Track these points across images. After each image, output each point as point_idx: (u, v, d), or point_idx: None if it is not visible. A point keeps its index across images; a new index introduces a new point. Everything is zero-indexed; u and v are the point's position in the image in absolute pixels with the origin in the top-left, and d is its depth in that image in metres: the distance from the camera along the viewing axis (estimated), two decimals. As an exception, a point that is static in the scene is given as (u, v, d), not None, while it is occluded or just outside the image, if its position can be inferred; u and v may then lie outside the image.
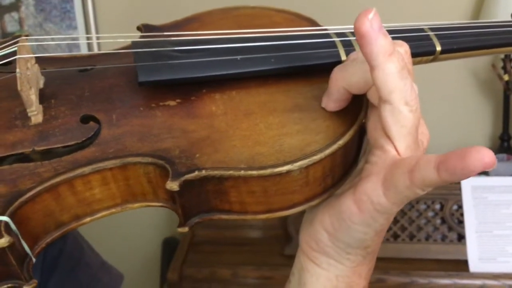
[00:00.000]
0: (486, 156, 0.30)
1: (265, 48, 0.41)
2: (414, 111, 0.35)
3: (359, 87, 0.38)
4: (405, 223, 1.56)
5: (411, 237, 1.55)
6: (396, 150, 0.36)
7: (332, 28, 0.44)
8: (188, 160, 0.36)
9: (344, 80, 0.38)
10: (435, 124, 1.89)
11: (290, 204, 0.38)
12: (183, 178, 0.35)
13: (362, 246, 0.39)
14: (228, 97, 0.40)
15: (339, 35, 0.43)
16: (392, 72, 0.34)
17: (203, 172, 0.35)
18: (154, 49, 0.41)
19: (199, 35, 0.43)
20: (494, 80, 1.76)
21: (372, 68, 0.34)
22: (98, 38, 1.48)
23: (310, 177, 0.37)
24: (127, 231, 1.99)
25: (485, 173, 1.62)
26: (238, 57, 0.41)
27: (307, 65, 0.41)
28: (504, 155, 1.67)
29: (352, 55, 0.40)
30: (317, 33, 0.44)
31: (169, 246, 1.83)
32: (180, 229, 0.38)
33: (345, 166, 0.40)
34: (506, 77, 1.61)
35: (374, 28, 0.33)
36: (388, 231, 1.55)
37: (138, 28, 0.46)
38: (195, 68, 0.40)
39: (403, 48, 0.38)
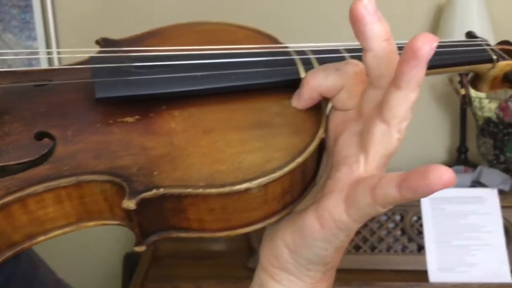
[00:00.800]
0: (446, 174, 0.31)
1: (225, 65, 0.42)
2: (400, 141, 0.36)
3: (333, 91, 0.39)
4: (366, 234, 1.58)
5: (372, 248, 1.57)
6: (365, 168, 0.36)
7: (293, 46, 0.45)
8: (146, 178, 0.36)
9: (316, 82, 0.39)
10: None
11: (249, 221, 0.38)
12: (140, 197, 0.34)
13: (323, 263, 0.40)
14: (188, 114, 0.40)
15: (298, 53, 0.44)
16: (412, 101, 0.34)
17: (161, 190, 0.35)
18: (112, 65, 0.40)
19: (159, 50, 0.43)
20: (451, 94, 1.81)
21: (398, 89, 0.34)
22: (58, 52, 1.45)
23: (269, 195, 0.37)
24: (87, 246, 1.95)
25: (443, 184, 1.65)
26: (198, 73, 0.41)
27: (266, 82, 0.42)
28: (462, 167, 1.71)
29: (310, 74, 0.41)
30: (277, 50, 0.44)
31: (131, 261, 1.80)
32: (137, 248, 0.37)
33: (304, 182, 0.40)
34: (462, 91, 1.66)
35: (369, 11, 0.34)
36: (349, 242, 1.56)
37: (97, 42, 0.45)
38: (154, 84, 0.40)
39: (359, 67, 0.39)
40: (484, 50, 0.51)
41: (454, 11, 1.65)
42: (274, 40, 0.47)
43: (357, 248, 1.57)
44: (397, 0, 1.83)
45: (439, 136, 1.90)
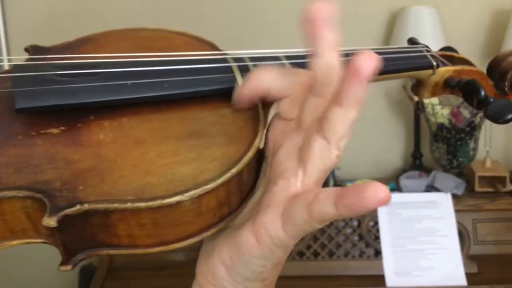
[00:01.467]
0: (381, 193, 0.31)
1: (158, 73, 0.40)
2: (338, 158, 0.35)
3: (276, 95, 0.38)
4: (324, 241, 1.58)
5: (331, 254, 1.57)
6: (303, 182, 0.35)
7: (231, 53, 0.43)
8: (70, 193, 0.34)
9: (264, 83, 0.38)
10: (350, 143, 1.93)
11: (184, 235, 0.36)
12: (62, 213, 0.32)
13: (259, 279, 0.39)
14: (118, 124, 0.38)
15: (236, 60, 0.42)
16: (352, 119, 0.33)
17: (86, 206, 0.33)
18: (35, 73, 0.38)
19: (88, 58, 0.41)
20: (406, 100, 1.85)
21: (339, 106, 0.33)
22: (9, 60, 1.41)
23: (203, 207, 0.36)
24: (43, 257, 1.89)
25: (398, 189, 1.68)
26: (129, 82, 0.39)
27: (202, 91, 0.40)
28: (416, 172, 1.74)
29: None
30: (214, 57, 0.43)
31: (87, 274, 1.75)
32: (63, 268, 0.35)
33: (241, 193, 0.39)
34: (416, 98, 1.69)
35: (327, 16, 0.34)
36: (308, 249, 1.57)
37: (26, 50, 0.43)
38: (79, 93, 0.37)
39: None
40: (425, 57, 0.51)
41: (407, 19, 1.69)
42: (213, 47, 0.46)
43: (315, 254, 1.57)
44: (352, 7, 1.85)
45: (394, 142, 1.94)
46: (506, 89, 0.52)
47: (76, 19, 1.87)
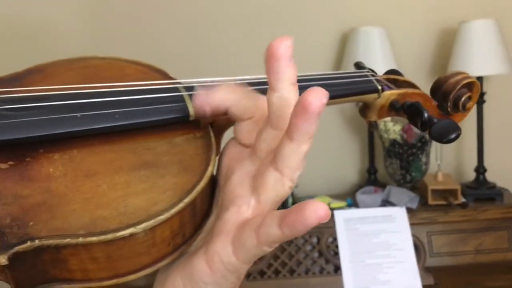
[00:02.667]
0: (319, 209, 0.31)
1: (108, 104, 0.39)
2: (291, 190, 0.36)
3: (239, 112, 0.39)
4: (285, 259, 1.59)
5: (292, 272, 1.58)
6: (254, 212, 0.36)
7: (184, 82, 0.43)
8: (21, 229, 0.33)
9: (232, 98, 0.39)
10: (308, 161, 1.94)
11: (138, 267, 0.36)
12: (12, 251, 0.31)
13: None
14: (69, 157, 0.37)
15: (187, 88, 0.42)
16: (304, 153, 0.34)
17: (37, 242, 0.32)
18: None
19: (35, 90, 0.40)
20: (359, 117, 1.89)
21: (290, 141, 0.34)
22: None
23: (157, 238, 0.35)
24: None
25: (355, 205, 1.71)
26: (79, 114, 0.38)
27: (153, 120, 0.40)
28: (372, 187, 1.78)
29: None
30: (165, 87, 0.42)
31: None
32: None
33: (196, 221, 0.39)
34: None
35: (288, 53, 0.35)
36: (269, 267, 1.58)
37: None
38: (27, 127, 0.37)
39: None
40: (370, 81, 0.52)
41: (357, 39, 1.74)
42: (165, 75, 0.45)
43: (276, 273, 1.58)
44: (304, 28, 1.89)
45: (349, 158, 1.97)
46: (449, 109, 0.55)
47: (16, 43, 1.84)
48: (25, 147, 0.37)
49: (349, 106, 1.92)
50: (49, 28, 1.85)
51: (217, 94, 0.39)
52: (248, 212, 0.36)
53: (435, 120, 0.50)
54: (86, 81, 0.41)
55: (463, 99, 0.54)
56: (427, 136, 1.72)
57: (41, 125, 0.37)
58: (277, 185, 0.35)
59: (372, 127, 1.78)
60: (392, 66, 1.71)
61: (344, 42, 1.84)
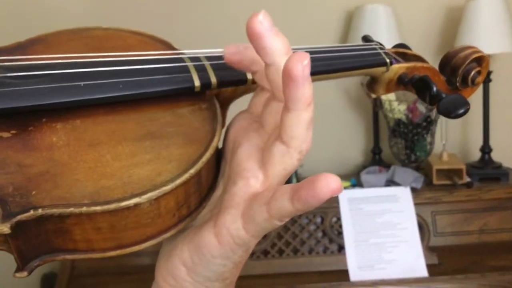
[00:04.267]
0: (332, 182, 0.31)
1: (112, 73, 0.39)
2: (299, 162, 0.35)
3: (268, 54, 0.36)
4: (289, 238, 1.60)
5: (295, 251, 1.59)
6: (264, 184, 0.35)
7: (187, 52, 0.43)
8: (23, 198, 0.32)
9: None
10: (312, 141, 1.95)
11: (143, 238, 0.36)
12: (15, 219, 0.31)
13: (221, 279, 0.39)
14: (72, 126, 0.37)
15: (192, 59, 0.41)
16: (305, 121, 0.33)
17: (40, 211, 0.32)
18: None
19: (39, 59, 0.40)
20: (364, 97, 1.88)
21: (288, 111, 0.33)
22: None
23: (162, 209, 0.35)
24: (2, 265, 1.84)
25: (359, 185, 1.71)
26: (82, 83, 0.37)
27: (158, 91, 0.39)
28: (376, 167, 1.77)
29: None
30: (170, 57, 0.42)
31: (49, 282, 1.72)
32: (18, 275, 0.34)
33: (201, 193, 0.38)
34: (374, 95, 1.72)
35: (265, 26, 0.34)
36: (272, 247, 1.58)
37: None
38: (31, 96, 0.36)
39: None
40: (378, 54, 0.51)
41: (363, 17, 1.72)
42: (169, 46, 0.45)
43: (280, 252, 1.58)
44: (309, 7, 1.87)
45: (354, 138, 1.97)
46: (457, 84, 0.54)
47: (21, 20, 1.83)
48: (27, 116, 0.37)
49: (354, 86, 1.90)
50: (48, 12, 1.84)
51: (254, 53, 0.38)
52: (257, 186, 0.35)
53: (444, 95, 0.49)
54: (89, 51, 0.41)
55: (472, 73, 0.53)
56: (432, 115, 1.71)
57: (44, 94, 0.37)
58: (285, 158, 0.34)
59: (377, 107, 1.77)
60: (398, 44, 1.69)
61: (350, 20, 1.82)
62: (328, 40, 1.89)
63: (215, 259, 0.37)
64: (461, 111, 0.48)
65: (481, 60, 0.54)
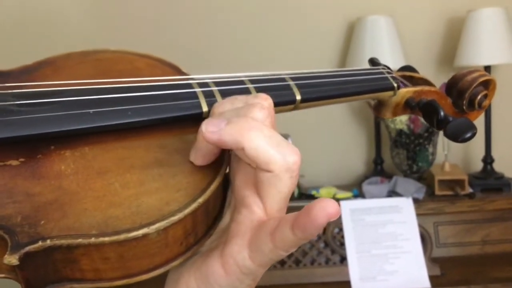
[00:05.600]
0: (328, 207, 0.31)
1: (121, 100, 0.39)
2: (294, 177, 0.34)
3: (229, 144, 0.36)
4: (291, 250, 1.59)
5: (297, 262, 1.58)
6: (266, 212, 0.35)
7: (196, 78, 0.43)
8: (32, 228, 0.32)
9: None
10: (313, 151, 1.97)
11: (150, 267, 0.35)
12: (23, 251, 0.31)
13: None
14: (80, 154, 0.37)
15: (201, 85, 0.41)
16: (259, 146, 0.33)
17: (48, 242, 0.32)
18: None
19: (48, 86, 0.39)
20: (366, 108, 1.88)
21: (238, 150, 0.34)
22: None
23: (169, 238, 0.35)
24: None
25: (361, 195, 1.71)
26: (91, 110, 0.37)
27: (167, 117, 0.39)
28: (378, 178, 1.77)
29: (217, 108, 0.38)
30: (178, 83, 0.41)
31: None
32: None
33: (208, 221, 0.38)
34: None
35: (212, 131, 0.34)
36: (275, 258, 1.58)
37: None
38: (39, 124, 0.36)
39: (267, 102, 0.36)
40: (386, 78, 0.51)
41: (364, 28, 1.72)
42: (177, 70, 0.45)
43: (282, 263, 1.58)
44: (311, 18, 1.88)
45: (356, 149, 1.97)
46: (464, 107, 0.54)
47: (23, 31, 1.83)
48: (36, 143, 0.37)
49: (355, 95, 1.90)
50: (49, 17, 1.84)
51: (199, 147, 0.37)
52: (260, 213, 0.35)
53: (450, 118, 0.49)
54: (98, 75, 0.41)
55: (479, 97, 0.54)
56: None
57: (53, 122, 0.36)
58: (274, 182, 0.34)
59: (379, 117, 1.77)
60: (399, 55, 1.69)
61: (351, 31, 1.82)
62: (329, 51, 1.89)
63: None
64: (468, 135, 0.48)
65: (488, 83, 0.54)
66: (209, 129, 0.34)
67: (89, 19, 1.86)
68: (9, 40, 1.81)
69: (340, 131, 1.94)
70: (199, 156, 0.37)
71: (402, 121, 1.72)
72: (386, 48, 1.67)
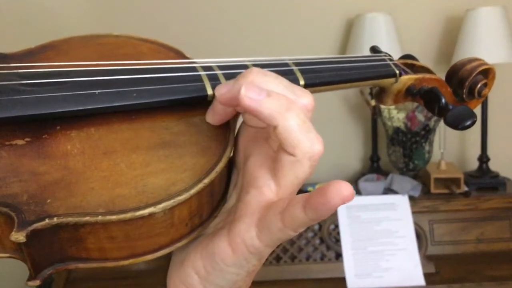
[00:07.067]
0: (344, 189, 0.31)
1: (126, 82, 0.39)
2: (314, 166, 0.34)
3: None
4: (286, 245, 1.59)
5: (293, 258, 1.58)
6: (277, 194, 0.35)
7: (199, 61, 0.43)
8: (38, 207, 0.32)
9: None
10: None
11: (156, 247, 0.36)
12: (30, 228, 0.31)
13: (234, 287, 0.39)
14: (86, 134, 0.37)
15: (205, 68, 0.41)
16: (292, 128, 0.33)
17: (55, 220, 0.32)
18: None
19: (53, 66, 0.39)
20: (363, 105, 1.88)
21: (273, 128, 0.34)
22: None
23: (175, 218, 0.35)
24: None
25: (357, 192, 1.71)
26: (97, 91, 0.37)
27: (171, 100, 0.39)
28: (374, 175, 1.77)
29: (257, 74, 0.37)
30: (183, 66, 0.42)
31: (44, 286, 1.70)
32: (31, 283, 0.34)
33: (213, 203, 0.38)
34: (373, 103, 1.72)
35: (251, 97, 0.33)
36: (270, 254, 1.57)
37: None
38: (45, 104, 0.36)
39: (307, 99, 0.36)
40: (388, 65, 0.51)
41: (363, 26, 1.72)
42: (180, 54, 0.45)
43: (277, 259, 1.58)
44: (309, 15, 1.88)
45: (353, 146, 1.97)
46: (464, 96, 0.54)
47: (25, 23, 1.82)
48: (42, 123, 0.37)
49: (353, 93, 1.91)
50: (48, 15, 1.84)
51: (217, 105, 0.38)
52: (270, 195, 0.35)
53: (451, 107, 0.49)
54: (101, 59, 0.41)
55: (479, 85, 0.54)
56: (431, 124, 1.71)
57: (59, 102, 0.36)
58: (295, 167, 0.34)
59: (376, 115, 1.77)
60: (397, 53, 1.70)
61: (350, 28, 1.83)
62: (327, 48, 1.89)
63: (228, 267, 0.36)
64: (468, 122, 0.48)
65: (487, 72, 0.54)
66: (249, 94, 0.34)
67: (88, 15, 1.86)
68: (8, 37, 1.80)
69: (337, 128, 1.94)
70: (216, 115, 0.38)
71: (399, 119, 1.72)
72: (384, 45, 1.67)
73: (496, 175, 1.74)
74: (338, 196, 0.31)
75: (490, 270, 1.53)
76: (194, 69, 0.42)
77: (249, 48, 1.85)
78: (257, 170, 0.37)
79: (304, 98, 0.36)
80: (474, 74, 0.53)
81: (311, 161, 0.34)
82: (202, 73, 0.41)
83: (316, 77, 0.46)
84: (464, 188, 1.66)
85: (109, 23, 1.86)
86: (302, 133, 0.33)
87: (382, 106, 1.71)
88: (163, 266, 1.62)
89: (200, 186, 0.35)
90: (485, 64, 0.54)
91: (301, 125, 0.34)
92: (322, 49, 1.88)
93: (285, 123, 0.33)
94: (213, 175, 0.36)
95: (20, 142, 0.36)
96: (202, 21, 1.88)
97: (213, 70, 0.42)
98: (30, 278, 0.34)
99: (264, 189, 0.36)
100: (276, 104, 0.33)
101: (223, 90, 0.36)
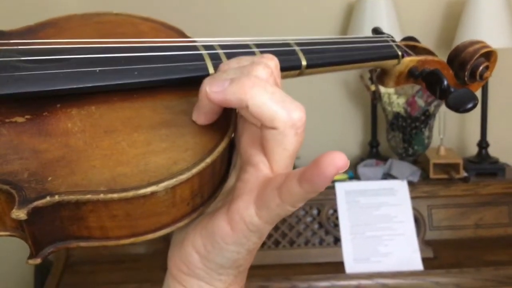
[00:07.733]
0: (337, 159, 0.30)
1: (127, 60, 0.38)
2: (300, 134, 0.34)
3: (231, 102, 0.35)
4: (285, 230, 1.60)
5: (291, 242, 1.59)
6: (272, 170, 0.35)
7: (200, 40, 0.42)
8: (39, 184, 0.32)
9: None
10: (309, 132, 1.96)
11: (157, 226, 0.35)
12: (31, 205, 0.31)
13: (234, 266, 0.38)
14: (87, 112, 0.37)
15: (206, 47, 0.41)
16: (263, 102, 0.33)
17: (56, 198, 0.32)
18: None
19: (53, 43, 0.39)
20: (363, 90, 1.87)
21: (242, 109, 0.34)
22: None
23: (177, 198, 0.35)
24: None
25: (356, 177, 1.71)
26: (97, 69, 0.37)
27: (173, 79, 0.39)
28: (373, 160, 1.77)
29: (222, 66, 0.38)
30: (184, 45, 0.41)
31: (43, 269, 1.71)
32: (31, 261, 0.34)
33: (214, 183, 0.38)
34: (373, 87, 1.72)
35: (216, 90, 0.34)
36: (269, 238, 1.58)
37: None
38: (46, 81, 0.36)
39: (273, 62, 0.36)
40: (390, 46, 0.51)
41: (363, 9, 1.71)
42: (181, 33, 0.44)
43: (276, 243, 1.58)
44: (309, -2, 1.86)
45: (352, 131, 1.96)
46: (465, 78, 0.53)
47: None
48: (42, 101, 0.36)
49: (352, 79, 1.90)
50: (47, 7, 1.82)
51: (201, 105, 0.37)
52: (266, 170, 0.35)
53: (452, 89, 0.49)
54: (101, 37, 0.41)
55: (480, 68, 0.53)
56: (430, 110, 1.71)
57: (60, 79, 0.36)
58: (278, 139, 0.34)
59: (376, 100, 1.76)
60: (398, 37, 1.68)
61: (350, 11, 1.81)
62: (328, 32, 1.88)
63: (228, 246, 0.36)
64: (470, 105, 0.48)
65: (489, 55, 0.54)
66: (213, 89, 0.34)
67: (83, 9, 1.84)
68: (6, 14, 1.79)
69: (336, 113, 1.93)
70: (201, 114, 0.37)
71: (399, 104, 1.72)
72: (385, 29, 1.65)
73: (495, 161, 1.74)
74: (332, 166, 0.30)
75: (489, 255, 1.54)
76: (195, 48, 0.41)
77: (249, 31, 1.84)
78: (249, 148, 0.37)
79: (260, 63, 0.36)
80: (476, 56, 0.53)
81: (294, 128, 0.33)
82: (204, 52, 0.41)
83: (319, 57, 0.45)
84: (463, 174, 1.67)
85: (108, 8, 1.85)
86: (275, 104, 0.33)
87: (382, 90, 1.70)
88: (161, 249, 1.62)
89: (202, 165, 0.35)
90: (487, 46, 0.54)
91: (271, 96, 0.33)
92: (323, 32, 1.87)
93: (254, 101, 0.33)
94: (215, 154, 0.36)
95: (20, 119, 0.35)
96: (203, 3, 1.87)
97: (215, 49, 0.41)
98: (31, 256, 0.34)
99: (260, 165, 0.35)
100: (239, 85, 0.33)
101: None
